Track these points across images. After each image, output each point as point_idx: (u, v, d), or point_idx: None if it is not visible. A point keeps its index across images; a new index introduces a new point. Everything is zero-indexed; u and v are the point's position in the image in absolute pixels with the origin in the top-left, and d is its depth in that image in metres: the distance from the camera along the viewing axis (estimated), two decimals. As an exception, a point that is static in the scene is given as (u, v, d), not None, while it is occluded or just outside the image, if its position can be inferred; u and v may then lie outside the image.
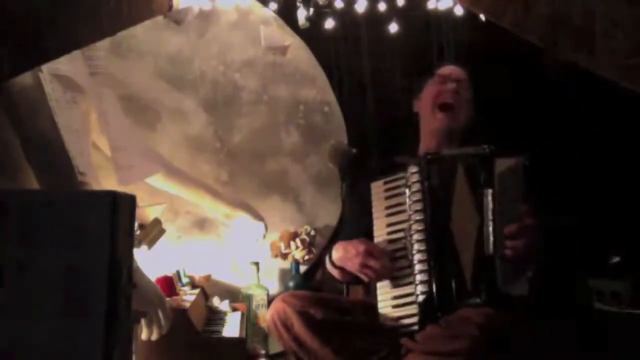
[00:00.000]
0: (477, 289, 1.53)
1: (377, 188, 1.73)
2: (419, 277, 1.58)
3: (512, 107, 2.41)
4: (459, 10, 2.22)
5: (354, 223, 1.91)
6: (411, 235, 1.61)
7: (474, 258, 1.54)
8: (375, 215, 1.71)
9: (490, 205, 1.53)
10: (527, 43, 1.51)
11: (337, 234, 2.30)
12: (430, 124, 1.85)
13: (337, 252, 1.71)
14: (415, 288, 1.58)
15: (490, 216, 1.53)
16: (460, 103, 1.82)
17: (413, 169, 1.65)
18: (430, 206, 1.60)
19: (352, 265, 1.64)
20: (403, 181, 1.67)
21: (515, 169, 1.54)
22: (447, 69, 1.90)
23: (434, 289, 1.55)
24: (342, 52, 2.48)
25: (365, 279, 1.66)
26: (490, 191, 1.54)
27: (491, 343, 1.36)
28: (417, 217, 1.61)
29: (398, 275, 1.62)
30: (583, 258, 1.91)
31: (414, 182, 1.64)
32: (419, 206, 1.61)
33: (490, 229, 1.52)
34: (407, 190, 1.65)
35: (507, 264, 1.50)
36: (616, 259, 2.16)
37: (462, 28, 2.40)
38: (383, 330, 1.61)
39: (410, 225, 1.62)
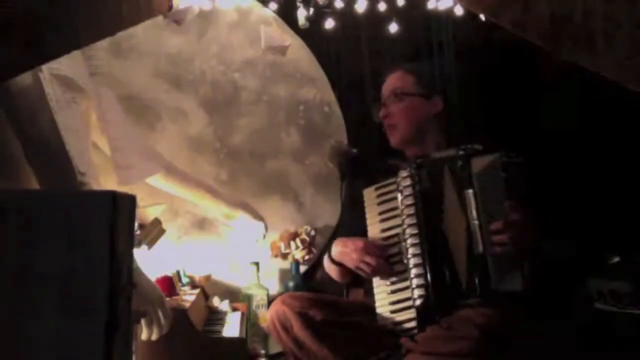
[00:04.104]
0: (472, 288, 1.53)
1: (370, 194, 1.74)
2: (415, 281, 1.58)
3: (510, 107, 2.41)
4: (459, 10, 2.21)
5: (349, 228, 1.90)
6: (405, 240, 1.62)
7: (466, 258, 1.55)
8: (369, 221, 1.73)
9: (473, 205, 1.54)
10: (526, 43, 1.50)
11: (336, 234, 2.30)
12: (393, 141, 1.89)
13: (337, 247, 1.74)
14: (412, 292, 1.58)
15: (474, 216, 1.54)
16: (396, 121, 1.85)
17: (404, 173, 1.66)
18: (422, 209, 1.61)
19: (350, 261, 1.67)
20: (394, 186, 1.68)
21: (492, 167, 1.55)
22: (384, 88, 1.93)
23: (431, 292, 1.56)
24: (342, 52, 2.47)
25: (362, 274, 1.67)
26: (470, 191, 1.55)
27: (492, 343, 1.36)
28: (410, 221, 1.62)
29: (394, 279, 1.63)
30: (583, 257, 1.91)
31: (406, 187, 1.65)
32: (411, 210, 1.62)
33: (477, 228, 1.53)
34: (399, 195, 1.66)
35: (498, 260, 1.50)
36: (616, 259, 2.16)
37: (462, 28, 2.39)
38: (383, 331, 1.61)
39: (404, 230, 1.63)
